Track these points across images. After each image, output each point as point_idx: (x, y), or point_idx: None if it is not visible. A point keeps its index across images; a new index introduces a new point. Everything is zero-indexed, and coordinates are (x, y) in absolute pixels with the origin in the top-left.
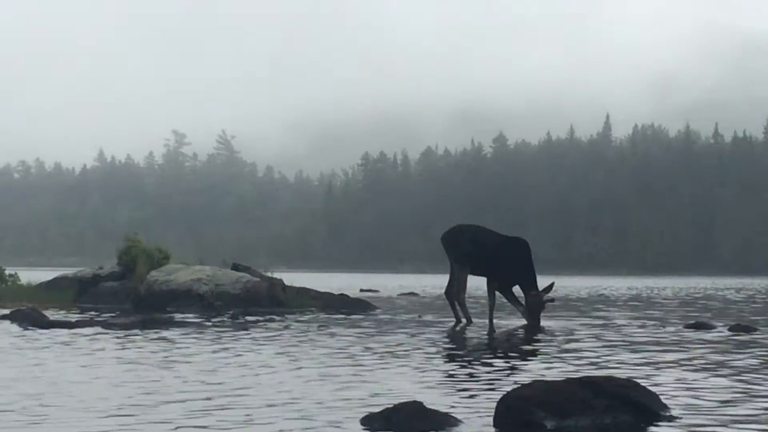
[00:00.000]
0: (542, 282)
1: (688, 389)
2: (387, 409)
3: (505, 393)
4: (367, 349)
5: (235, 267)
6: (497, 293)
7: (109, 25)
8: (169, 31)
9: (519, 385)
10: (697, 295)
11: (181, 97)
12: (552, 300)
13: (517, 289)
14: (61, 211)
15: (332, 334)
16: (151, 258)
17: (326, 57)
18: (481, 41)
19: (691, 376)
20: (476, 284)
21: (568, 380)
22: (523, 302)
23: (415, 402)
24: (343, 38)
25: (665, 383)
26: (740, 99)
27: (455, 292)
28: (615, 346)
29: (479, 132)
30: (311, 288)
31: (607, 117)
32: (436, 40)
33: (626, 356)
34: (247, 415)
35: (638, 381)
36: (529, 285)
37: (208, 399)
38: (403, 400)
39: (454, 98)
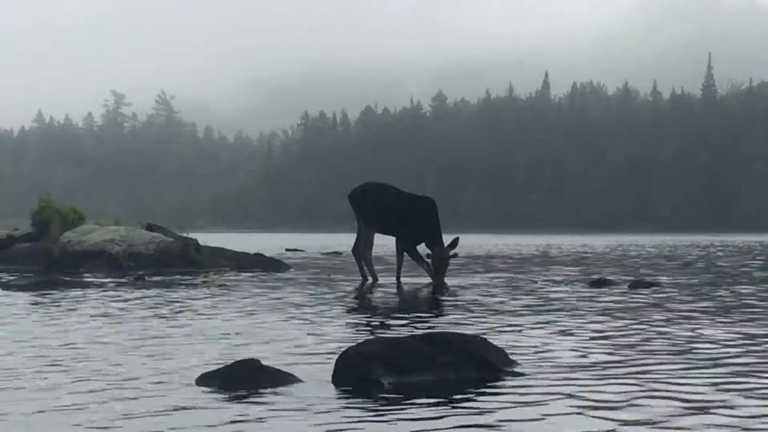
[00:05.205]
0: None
1: (545, 347)
2: (224, 366)
3: (345, 349)
4: (258, 305)
5: (150, 227)
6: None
7: None
8: None
9: (360, 342)
10: (628, 253)
11: (120, 57)
12: (455, 255)
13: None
14: None
15: (221, 293)
16: (65, 219)
17: (270, 19)
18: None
19: (558, 334)
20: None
21: (411, 336)
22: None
23: (251, 359)
24: None
25: (528, 339)
26: (679, 57)
27: (361, 251)
28: (505, 302)
29: (418, 92)
30: (227, 248)
31: (546, 75)
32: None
33: (503, 313)
34: (74, 373)
35: (486, 336)
36: (435, 243)
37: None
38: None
39: (388, 60)
